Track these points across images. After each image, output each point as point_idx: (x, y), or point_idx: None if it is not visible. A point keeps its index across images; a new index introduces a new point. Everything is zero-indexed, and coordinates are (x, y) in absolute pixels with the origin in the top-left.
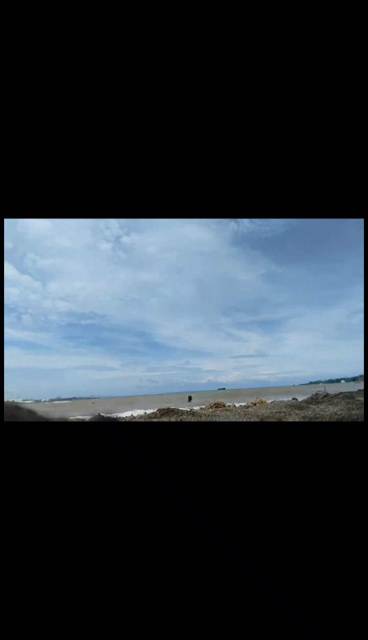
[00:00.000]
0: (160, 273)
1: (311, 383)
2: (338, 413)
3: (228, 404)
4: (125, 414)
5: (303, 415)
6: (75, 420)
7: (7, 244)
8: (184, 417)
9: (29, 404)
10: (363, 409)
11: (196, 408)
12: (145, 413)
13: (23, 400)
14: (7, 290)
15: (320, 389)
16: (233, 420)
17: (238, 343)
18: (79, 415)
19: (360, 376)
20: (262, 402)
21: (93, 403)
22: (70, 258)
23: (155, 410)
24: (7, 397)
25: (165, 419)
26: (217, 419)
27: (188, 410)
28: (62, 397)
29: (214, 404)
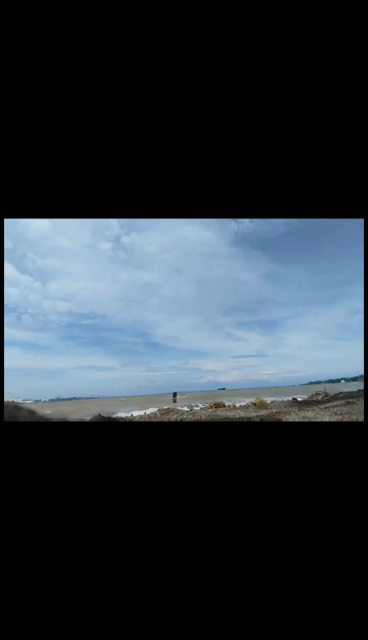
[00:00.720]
0: (161, 273)
1: (311, 383)
2: (339, 413)
3: (228, 403)
4: (121, 414)
5: (303, 415)
6: (75, 420)
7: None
8: (184, 417)
9: (29, 404)
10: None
11: (196, 408)
12: (145, 413)
13: (23, 400)
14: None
15: (320, 389)
16: (233, 420)
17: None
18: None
19: (360, 376)
20: (261, 402)
21: (99, 405)
22: (70, 258)
23: (155, 410)
24: (7, 397)
25: (165, 419)
26: (217, 419)
27: (189, 410)
28: (62, 397)
29: (214, 404)
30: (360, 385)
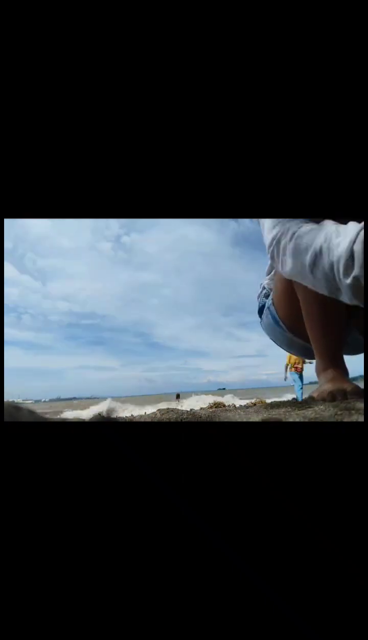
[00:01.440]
0: (161, 273)
1: (311, 383)
2: (339, 413)
3: (228, 403)
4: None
5: (303, 415)
6: (75, 420)
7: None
8: (184, 417)
9: (29, 404)
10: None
11: (196, 408)
12: (146, 413)
13: (23, 400)
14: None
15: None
16: (234, 420)
17: (238, 343)
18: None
19: (360, 376)
20: (262, 402)
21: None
22: (70, 258)
23: (155, 410)
24: (7, 397)
25: (165, 419)
26: (217, 419)
27: (189, 410)
28: (62, 397)
29: (214, 404)
30: (360, 385)
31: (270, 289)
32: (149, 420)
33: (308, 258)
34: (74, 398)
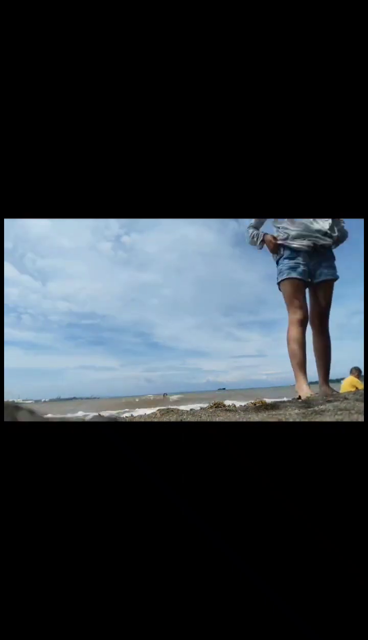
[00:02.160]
0: (161, 273)
1: (311, 383)
2: (339, 413)
3: (229, 403)
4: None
5: (303, 415)
6: (75, 420)
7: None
8: (184, 417)
9: (29, 404)
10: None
11: (196, 408)
12: (146, 413)
13: (23, 400)
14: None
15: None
16: (234, 420)
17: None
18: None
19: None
20: (262, 403)
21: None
22: (70, 258)
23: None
24: (7, 397)
25: (165, 419)
26: (217, 419)
27: (189, 410)
28: (62, 397)
29: (214, 404)
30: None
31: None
32: (149, 420)
33: None
34: (74, 398)
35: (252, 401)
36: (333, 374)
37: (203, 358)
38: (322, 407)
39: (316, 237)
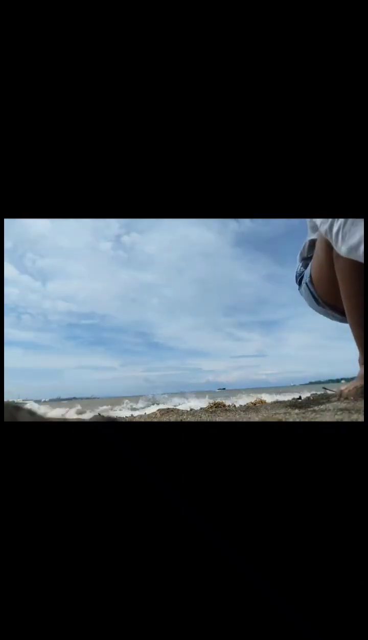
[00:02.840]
0: (161, 273)
1: (311, 383)
2: (339, 413)
3: (228, 403)
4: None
5: (303, 415)
6: (75, 420)
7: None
8: (184, 417)
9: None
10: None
11: (196, 408)
12: (145, 413)
13: (23, 400)
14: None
15: (320, 389)
16: (234, 420)
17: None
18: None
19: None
20: (262, 403)
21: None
22: (70, 258)
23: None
24: (7, 397)
25: (165, 419)
26: (217, 419)
27: (189, 410)
28: (62, 397)
29: (214, 404)
30: None
31: (306, 266)
32: (149, 420)
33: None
34: (74, 398)
35: (252, 401)
36: (332, 374)
37: (204, 358)
38: (322, 406)
39: None
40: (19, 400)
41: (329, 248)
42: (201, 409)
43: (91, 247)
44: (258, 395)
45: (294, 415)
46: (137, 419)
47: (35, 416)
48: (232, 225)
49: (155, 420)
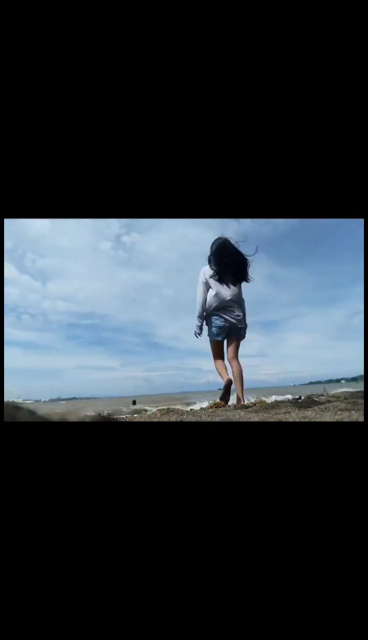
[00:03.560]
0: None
1: (311, 383)
2: (339, 414)
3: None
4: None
5: (303, 415)
6: (75, 420)
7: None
8: (184, 417)
9: (29, 404)
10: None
11: (196, 408)
12: (145, 413)
13: (23, 400)
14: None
15: (320, 389)
16: (234, 420)
17: None
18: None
19: (360, 376)
20: (262, 402)
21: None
22: (70, 258)
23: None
24: (7, 397)
25: (165, 419)
26: (217, 419)
27: (189, 410)
28: (62, 397)
29: (214, 404)
30: (360, 386)
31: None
32: (149, 420)
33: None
34: (74, 398)
35: (252, 401)
36: (332, 374)
37: (204, 358)
38: (322, 406)
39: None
40: (19, 400)
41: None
42: (201, 408)
43: (91, 247)
44: (259, 395)
45: (294, 415)
46: (137, 419)
47: (35, 416)
48: (233, 225)
49: (155, 420)
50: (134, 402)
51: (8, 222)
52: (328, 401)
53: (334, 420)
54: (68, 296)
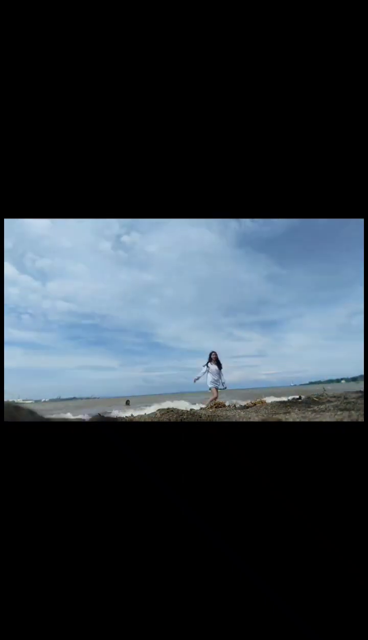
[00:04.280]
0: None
1: (311, 383)
2: (339, 414)
3: (228, 403)
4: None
5: (303, 415)
6: (75, 420)
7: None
8: (184, 417)
9: (29, 404)
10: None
11: (196, 408)
12: (146, 413)
13: (23, 400)
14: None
15: (320, 389)
16: (234, 420)
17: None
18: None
19: (360, 376)
20: (262, 403)
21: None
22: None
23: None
24: (7, 397)
25: (165, 419)
26: (217, 419)
27: (189, 410)
28: (62, 397)
29: (214, 404)
30: (360, 386)
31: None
32: (149, 420)
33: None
34: (74, 398)
35: (252, 401)
36: (332, 374)
37: (204, 358)
38: (322, 406)
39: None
40: (19, 400)
41: None
42: (201, 408)
43: (91, 247)
44: (259, 395)
45: (294, 415)
46: (137, 419)
47: (35, 416)
48: (233, 225)
49: (155, 420)
50: (128, 403)
51: (8, 222)
52: (328, 401)
53: (334, 420)
54: (68, 296)
